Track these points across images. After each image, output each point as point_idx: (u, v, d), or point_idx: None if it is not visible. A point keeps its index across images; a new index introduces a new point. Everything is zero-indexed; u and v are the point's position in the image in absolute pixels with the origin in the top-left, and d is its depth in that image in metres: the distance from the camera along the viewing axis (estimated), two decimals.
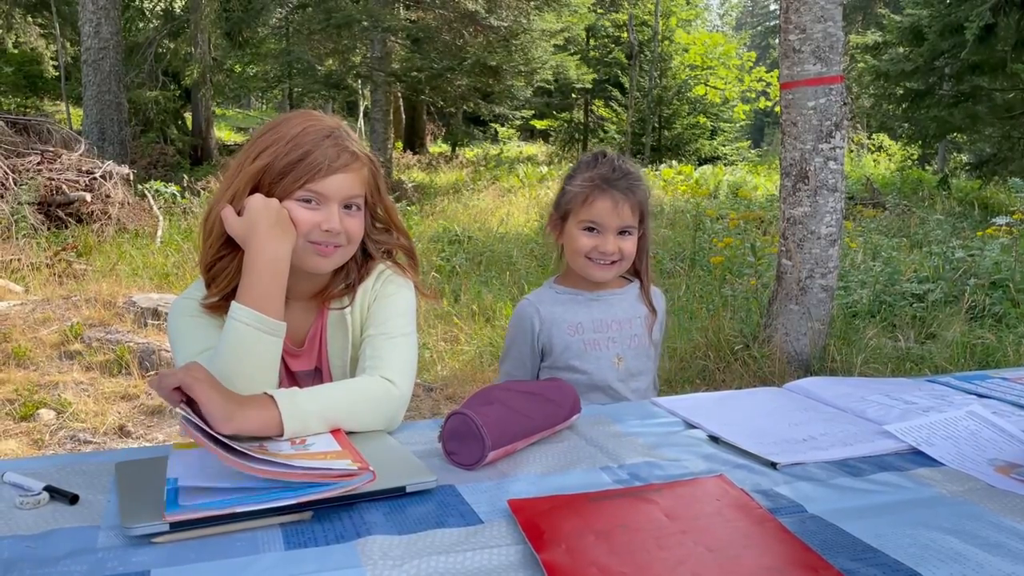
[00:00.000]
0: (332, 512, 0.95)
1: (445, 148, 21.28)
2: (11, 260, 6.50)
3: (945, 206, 10.72)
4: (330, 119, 1.36)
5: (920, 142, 14.09)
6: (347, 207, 1.34)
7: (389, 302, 1.42)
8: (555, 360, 1.77)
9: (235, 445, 0.97)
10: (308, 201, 1.30)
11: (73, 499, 0.97)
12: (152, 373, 4.23)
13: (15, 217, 7.24)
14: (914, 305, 5.10)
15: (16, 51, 16.91)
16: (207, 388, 1.06)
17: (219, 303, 1.33)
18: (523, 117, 23.21)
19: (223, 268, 1.33)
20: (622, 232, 1.72)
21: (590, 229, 1.72)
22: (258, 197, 1.27)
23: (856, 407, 1.38)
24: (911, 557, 0.85)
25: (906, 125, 13.20)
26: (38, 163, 8.01)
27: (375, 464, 1.01)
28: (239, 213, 1.28)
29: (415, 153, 19.25)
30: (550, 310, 1.78)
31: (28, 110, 14.46)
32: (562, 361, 1.76)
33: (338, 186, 1.31)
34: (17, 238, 7.03)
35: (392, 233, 1.48)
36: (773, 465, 1.12)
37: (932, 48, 11.31)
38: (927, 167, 17.35)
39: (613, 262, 1.73)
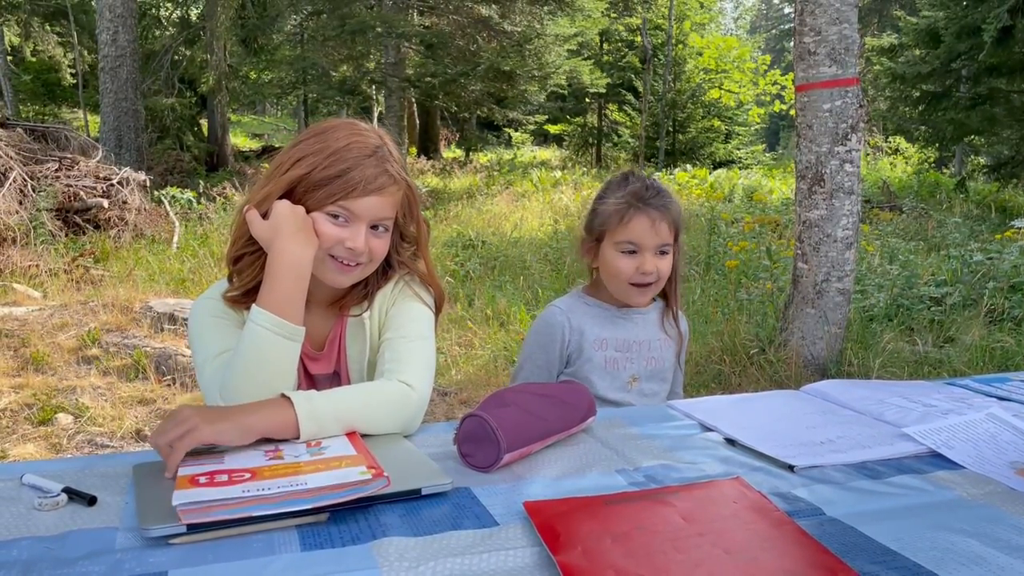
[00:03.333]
0: (348, 514, 0.95)
1: (459, 153, 21.32)
2: (30, 266, 6.57)
3: (963, 209, 10.64)
4: (375, 135, 1.35)
5: (937, 145, 14.00)
6: (374, 227, 1.34)
7: (408, 306, 1.42)
8: (575, 371, 1.76)
9: (244, 483, 0.97)
10: (336, 217, 1.30)
11: (91, 501, 0.98)
12: (168, 377, 4.25)
13: (34, 223, 7.32)
14: (932, 309, 5.05)
15: (34, 59, 17.12)
16: (208, 427, 1.05)
17: (240, 297, 1.34)
18: (537, 122, 23.27)
19: (248, 264, 1.34)
20: (659, 251, 1.69)
21: (629, 251, 1.68)
22: (284, 203, 1.28)
23: (874, 410, 1.37)
24: (931, 560, 0.84)
25: (923, 128, 13.13)
26: (56, 170, 8.09)
27: (390, 467, 1.01)
28: (265, 216, 1.28)
29: (429, 158, 19.30)
30: (579, 320, 1.76)
31: (46, 117, 14.63)
32: (581, 373, 1.75)
33: (369, 207, 1.30)
34: (36, 244, 7.10)
35: (419, 262, 1.46)
36: (790, 468, 1.11)
37: (949, 50, 11.24)
38: (944, 170, 17.24)
39: (649, 284, 1.70)
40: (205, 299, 1.39)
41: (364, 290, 1.43)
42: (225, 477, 0.99)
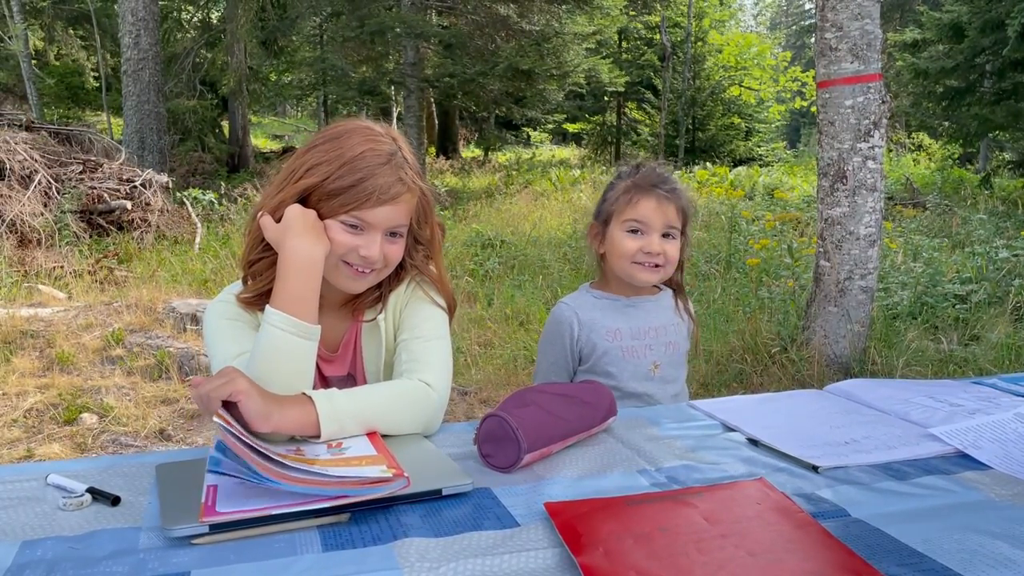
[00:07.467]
0: (369, 514, 0.95)
1: (478, 152, 21.35)
2: (55, 267, 6.65)
3: (988, 205, 10.49)
4: (389, 140, 1.33)
5: (961, 141, 13.81)
6: (390, 233, 1.33)
7: (421, 306, 1.42)
8: (592, 365, 1.75)
9: (270, 452, 0.97)
10: (351, 225, 1.28)
11: (115, 500, 0.99)
12: (189, 379, 4.28)
13: (58, 225, 7.41)
14: (957, 306, 4.99)
15: (58, 63, 17.30)
16: (244, 387, 1.07)
17: (254, 299, 1.34)
18: (555, 121, 23.25)
19: (264, 268, 1.34)
20: (666, 234, 1.71)
21: (634, 231, 1.71)
22: (296, 207, 1.27)
23: (899, 409, 1.35)
24: (959, 562, 0.83)
25: (946, 123, 12.97)
26: (80, 172, 8.18)
27: (411, 467, 1.00)
28: (277, 221, 1.28)
29: (448, 158, 19.34)
30: (589, 314, 1.76)
31: (70, 120, 14.75)
32: (599, 367, 1.75)
33: (385, 216, 1.29)
34: (60, 246, 7.19)
35: (431, 266, 1.45)
36: (814, 468, 1.10)
37: (973, 45, 11.11)
38: (968, 166, 17.02)
39: (657, 265, 1.72)
40: (218, 302, 1.39)
41: (377, 292, 1.42)
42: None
